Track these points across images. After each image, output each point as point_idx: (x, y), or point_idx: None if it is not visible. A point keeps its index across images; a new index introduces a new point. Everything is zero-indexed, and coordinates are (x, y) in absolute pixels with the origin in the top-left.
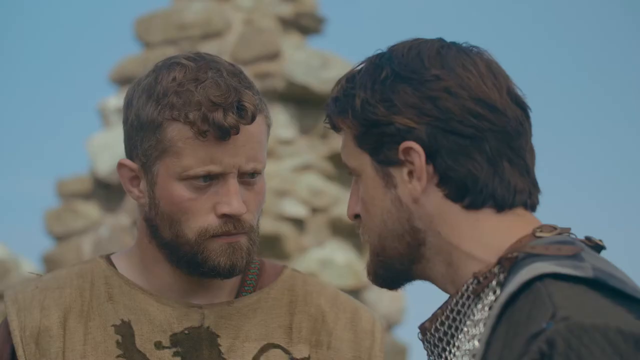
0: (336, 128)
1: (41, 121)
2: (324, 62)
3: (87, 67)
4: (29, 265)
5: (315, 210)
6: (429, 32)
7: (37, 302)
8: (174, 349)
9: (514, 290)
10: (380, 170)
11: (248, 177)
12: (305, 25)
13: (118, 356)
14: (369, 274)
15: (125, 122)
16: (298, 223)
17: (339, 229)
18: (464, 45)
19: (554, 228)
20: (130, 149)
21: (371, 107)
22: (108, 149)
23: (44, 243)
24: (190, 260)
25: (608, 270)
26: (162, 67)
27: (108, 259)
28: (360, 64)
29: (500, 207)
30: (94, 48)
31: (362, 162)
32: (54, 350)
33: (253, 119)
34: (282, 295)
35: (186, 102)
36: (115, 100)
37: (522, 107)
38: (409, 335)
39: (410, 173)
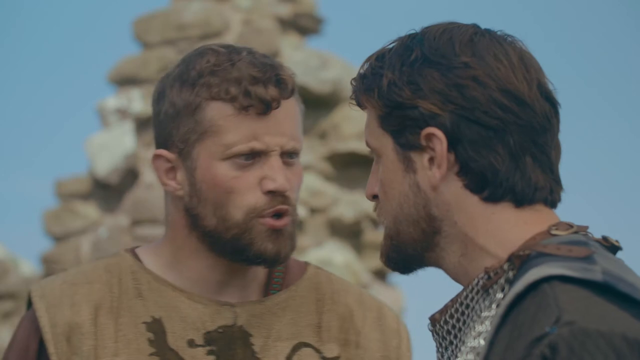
0: (361, 105)
1: (40, 121)
2: (323, 62)
3: (86, 67)
4: (28, 266)
5: (314, 211)
6: None
7: (66, 298)
8: (208, 348)
9: (521, 290)
10: (401, 154)
11: (288, 157)
12: (304, 25)
13: (151, 354)
14: (382, 255)
15: (157, 116)
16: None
17: (337, 230)
18: (498, 33)
19: (570, 226)
20: (165, 140)
21: (397, 88)
22: (107, 149)
23: (43, 243)
24: (235, 245)
25: (618, 274)
26: (193, 56)
27: (134, 253)
28: (392, 42)
29: (519, 202)
30: (93, 48)
31: (384, 143)
32: (86, 348)
33: (292, 92)
34: (309, 293)
35: (224, 80)
36: (114, 100)
37: (551, 102)
38: None
39: (431, 159)
